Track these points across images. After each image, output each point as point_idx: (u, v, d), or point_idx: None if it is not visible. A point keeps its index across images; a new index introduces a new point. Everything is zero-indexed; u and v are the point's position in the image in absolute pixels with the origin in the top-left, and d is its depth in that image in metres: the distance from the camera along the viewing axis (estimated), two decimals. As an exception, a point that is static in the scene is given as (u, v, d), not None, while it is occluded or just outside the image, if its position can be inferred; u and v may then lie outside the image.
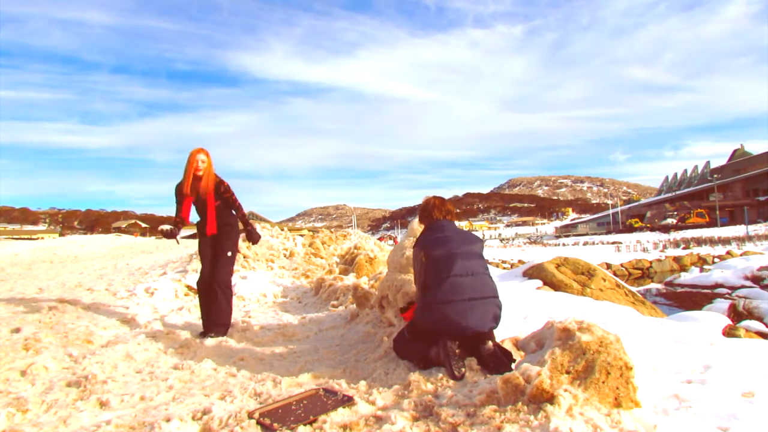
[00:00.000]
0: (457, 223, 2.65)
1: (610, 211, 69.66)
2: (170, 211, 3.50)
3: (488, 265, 2.47)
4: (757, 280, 11.87)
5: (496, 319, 2.28)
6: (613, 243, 34.64)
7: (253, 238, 3.83)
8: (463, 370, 2.07)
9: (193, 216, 3.70)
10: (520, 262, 20.94)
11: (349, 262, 7.29)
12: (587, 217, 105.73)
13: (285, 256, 8.92)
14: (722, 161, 74.25)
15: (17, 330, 3.15)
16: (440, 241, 2.36)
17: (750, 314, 7.69)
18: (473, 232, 2.59)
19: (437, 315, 2.22)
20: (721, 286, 11.87)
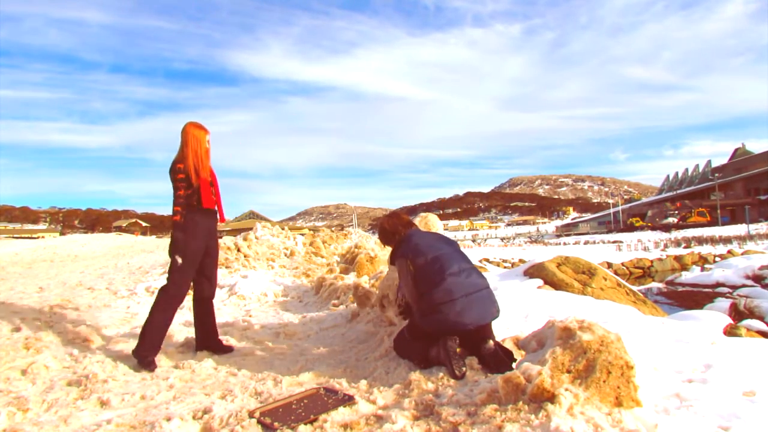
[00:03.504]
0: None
1: (611, 210, 69.60)
2: (170, 210, 2.73)
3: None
4: (758, 279, 11.86)
5: (496, 309, 2.31)
6: (614, 242, 34.60)
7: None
8: (464, 369, 2.07)
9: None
10: (520, 261, 20.93)
11: (349, 261, 7.29)
12: (588, 216, 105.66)
13: (286, 255, 8.93)
14: (723, 160, 74.18)
15: (18, 329, 3.15)
16: (423, 247, 2.42)
17: (751, 313, 7.68)
18: (444, 234, 2.71)
19: (438, 317, 2.23)
20: (723, 285, 11.86)
